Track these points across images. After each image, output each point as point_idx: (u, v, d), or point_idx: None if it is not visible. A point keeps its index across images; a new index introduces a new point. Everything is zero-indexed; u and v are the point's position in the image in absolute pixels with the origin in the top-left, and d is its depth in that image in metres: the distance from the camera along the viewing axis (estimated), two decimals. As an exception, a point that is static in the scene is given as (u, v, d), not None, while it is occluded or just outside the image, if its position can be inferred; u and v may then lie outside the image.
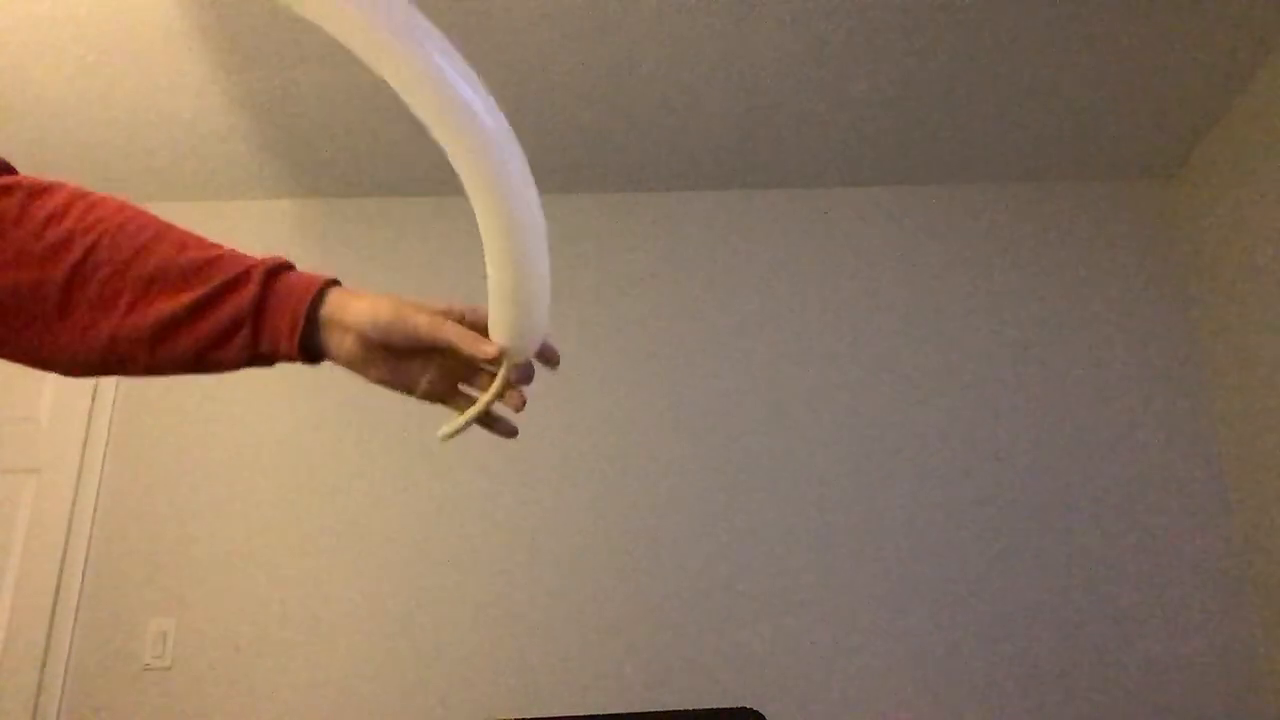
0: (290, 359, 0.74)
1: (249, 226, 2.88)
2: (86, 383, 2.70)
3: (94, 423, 2.68)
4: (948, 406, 2.69)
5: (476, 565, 2.55)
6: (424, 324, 0.72)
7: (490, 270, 0.71)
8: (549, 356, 0.78)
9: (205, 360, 0.74)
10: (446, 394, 0.77)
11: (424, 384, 0.76)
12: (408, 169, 2.79)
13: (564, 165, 2.77)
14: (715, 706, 2.41)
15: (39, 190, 0.73)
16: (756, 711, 2.36)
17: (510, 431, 0.80)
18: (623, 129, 2.64)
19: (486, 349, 0.71)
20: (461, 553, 2.57)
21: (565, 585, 2.54)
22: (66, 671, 2.45)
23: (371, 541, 2.58)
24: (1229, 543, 2.55)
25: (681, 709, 2.38)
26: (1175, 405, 2.68)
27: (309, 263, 2.62)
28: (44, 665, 2.44)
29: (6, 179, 0.73)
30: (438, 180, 2.84)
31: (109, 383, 2.72)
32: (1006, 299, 2.80)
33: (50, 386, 2.71)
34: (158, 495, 2.62)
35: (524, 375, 0.77)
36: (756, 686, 2.45)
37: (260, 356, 0.74)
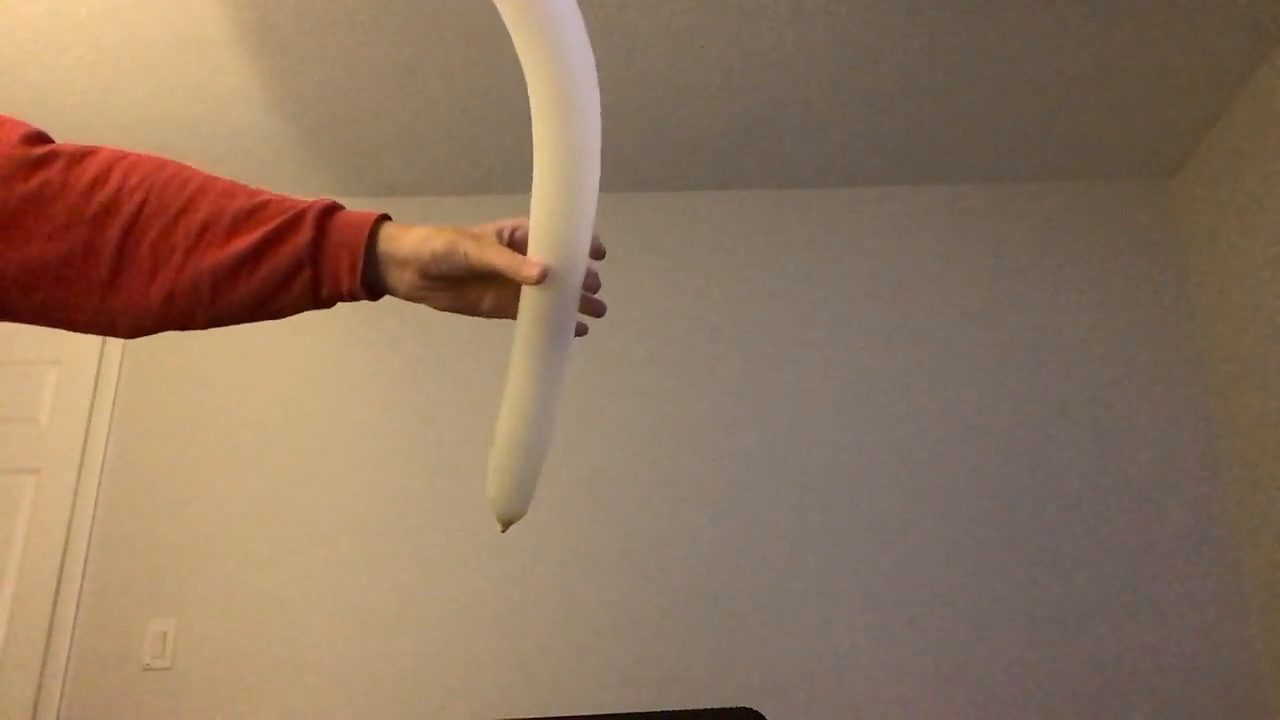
0: (354, 298, 0.75)
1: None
2: (86, 382, 2.71)
3: (94, 423, 2.68)
4: (947, 406, 2.69)
5: (477, 565, 2.55)
6: (472, 252, 0.72)
7: (536, 184, 0.70)
8: (595, 251, 0.77)
9: (268, 306, 0.74)
10: (510, 309, 0.76)
11: (486, 304, 0.77)
12: (420, 168, 2.79)
13: (564, 165, 2.77)
14: (715, 706, 2.41)
15: (79, 155, 0.74)
16: (756, 712, 2.36)
17: (582, 329, 0.80)
18: (623, 129, 2.65)
19: (530, 272, 0.70)
20: (462, 553, 2.57)
21: (565, 585, 2.54)
22: (66, 671, 2.45)
23: (372, 542, 2.58)
24: (1228, 542, 2.55)
25: (681, 709, 2.38)
26: (1175, 405, 2.68)
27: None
28: (44, 665, 2.44)
29: (46, 147, 0.74)
30: (451, 180, 2.84)
31: (109, 382, 2.72)
32: (1006, 299, 2.80)
33: (50, 386, 2.71)
34: (158, 496, 2.62)
35: (591, 283, 0.77)
36: (756, 686, 2.45)
37: (321, 299, 0.75)
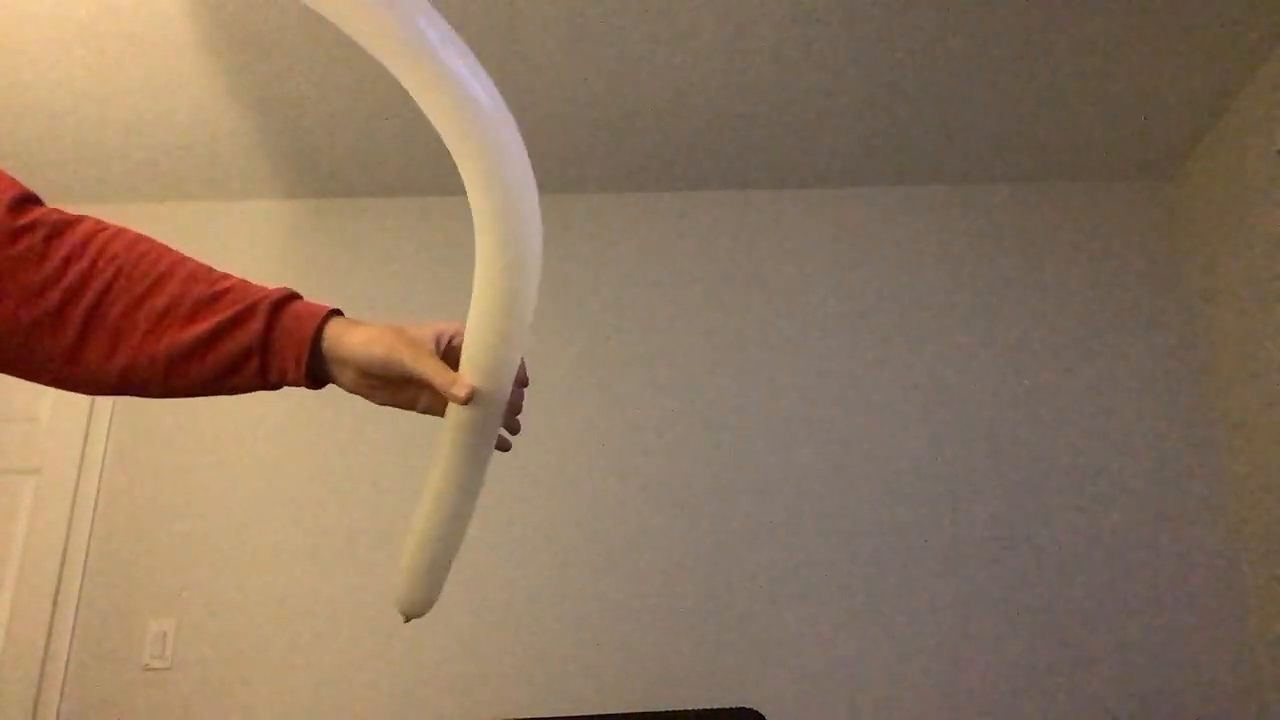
0: (298, 385, 0.80)
1: (247, 227, 2.88)
2: (86, 383, 2.70)
3: (94, 423, 2.68)
4: (947, 407, 2.69)
5: (477, 565, 2.55)
6: (409, 360, 0.77)
7: (473, 314, 0.75)
8: (521, 379, 0.82)
9: (219, 385, 0.80)
10: (443, 409, 0.82)
11: (421, 404, 0.83)
12: (404, 169, 2.79)
13: (564, 165, 2.77)
14: (715, 706, 2.41)
15: (60, 227, 0.78)
16: (756, 712, 2.36)
17: (504, 445, 0.86)
18: (623, 129, 2.65)
19: (458, 393, 0.75)
20: (461, 553, 2.56)
21: (565, 585, 2.54)
22: (66, 671, 2.45)
23: (372, 541, 2.58)
24: (1228, 543, 2.55)
25: (681, 709, 2.38)
26: (1175, 405, 2.68)
27: (307, 263, 2.63)
28: (44, 665, 2.44)
29: (30, 216, 0.78)
30: (434, 180, 2.84)
31: (109, 383, 2.72)
32: (1006, 299, 2.80)
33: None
34: (158, 495, 2.62)
35: (515, 405, 0.83)
36: (756, 686, 2.45)
37: (270, 384, 0.80)
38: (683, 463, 2.65)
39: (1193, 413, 2.67)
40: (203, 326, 0.77)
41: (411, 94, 0.69)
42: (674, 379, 2.74)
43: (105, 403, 2.70)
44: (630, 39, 2.31)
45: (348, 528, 2.59)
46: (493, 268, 0.73)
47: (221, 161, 2.73)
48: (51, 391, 2.70)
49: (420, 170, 2.80)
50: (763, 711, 2.38)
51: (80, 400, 2.69)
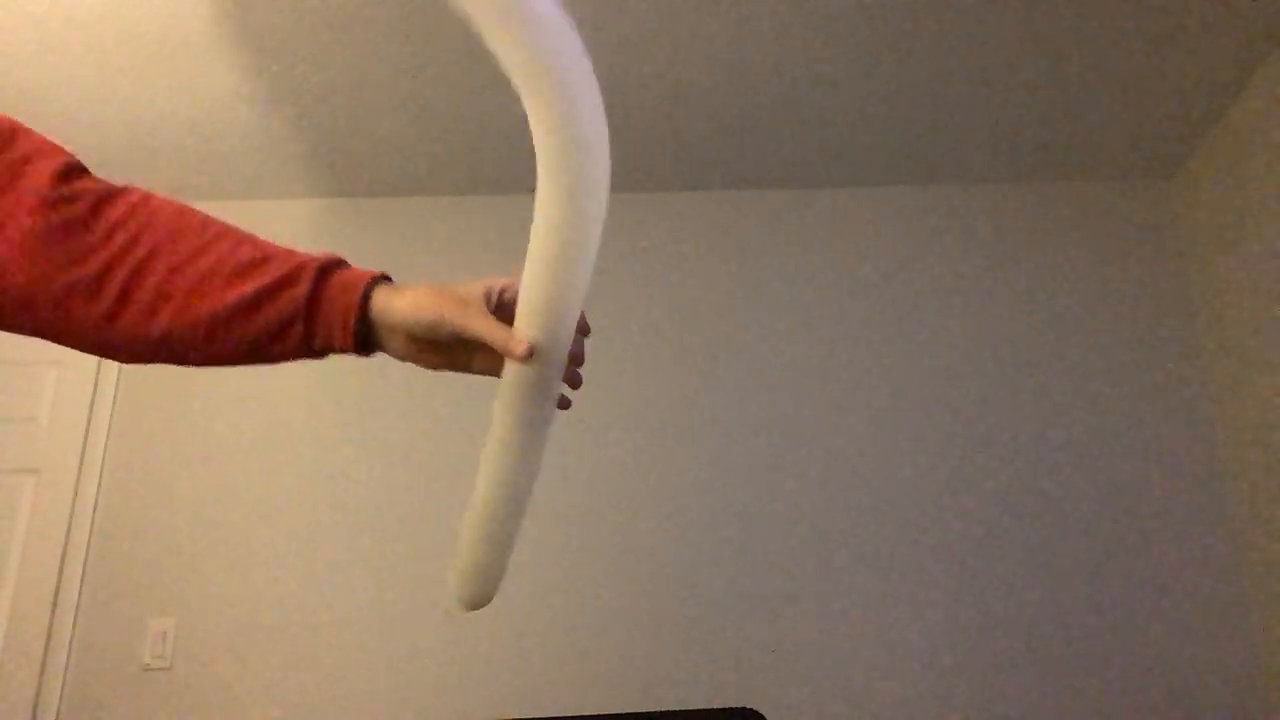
0: (345, 352, 0.78)
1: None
2: (86, 382, 2.71)
3: (94, 423, 2.68)
4: (947, 406, 2.69)
5: (476, 565, 2.55)
6: (459, 323, 0.74)
7: (531, 257, 0.70)
8: (582, 327, 0.78)
9: (262, 353, 0.78)
10: (500, 369, 0.77)
11: (476, 366, 0.79)
12: (419, 168, 2.79)
13: (564, 165, 2.77)
14: (715, 706, 2.41)
15: (107, 197, 0.78)
16: (756, 712, 2.36)
17: (564, 404, 0.81)
18: (623, 129, 2.64)
19: (516, 350, 0.71)
20: (461, 553, 2.56)
21: (565, 585, 2.54)
22: (66, 671, 2.45)
23: (372, 541, 2.58)
24: (1228, 543, 2.55)
25: (681, 709, 2.38)
26: (1175, 405, 2.68)
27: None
28: (44, 665, 2.44)
29: (77, 185, 0.77)
30: (451, 180, 2.84)
31: (109, 382, 2.72)
32: (1006, 299, 2.80)
33: (50, 386, 2.71)
34: (158, 495, 2.62)
35: (576, 355, 0.78)
36: (756, 686, 2.45)
37: (315, 351, 0.78)
38: (681, 463, 2.65)
39: (1193, 412, 2.67)
40: (245, 290, 0.75)
41: (469, 13, 0.63)
42: (672, 379, 2.73)
43: (105, 402, 2.70)
44: (630, 39, 2.31)
45: (348, 528, 2.59)
46: (554, 201, 0.66)
47: (224, 161, 2.73)
48: (51, 391, 2.70)
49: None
50: (763, 711, 2.38)
51: (80, 400, 2.69)
